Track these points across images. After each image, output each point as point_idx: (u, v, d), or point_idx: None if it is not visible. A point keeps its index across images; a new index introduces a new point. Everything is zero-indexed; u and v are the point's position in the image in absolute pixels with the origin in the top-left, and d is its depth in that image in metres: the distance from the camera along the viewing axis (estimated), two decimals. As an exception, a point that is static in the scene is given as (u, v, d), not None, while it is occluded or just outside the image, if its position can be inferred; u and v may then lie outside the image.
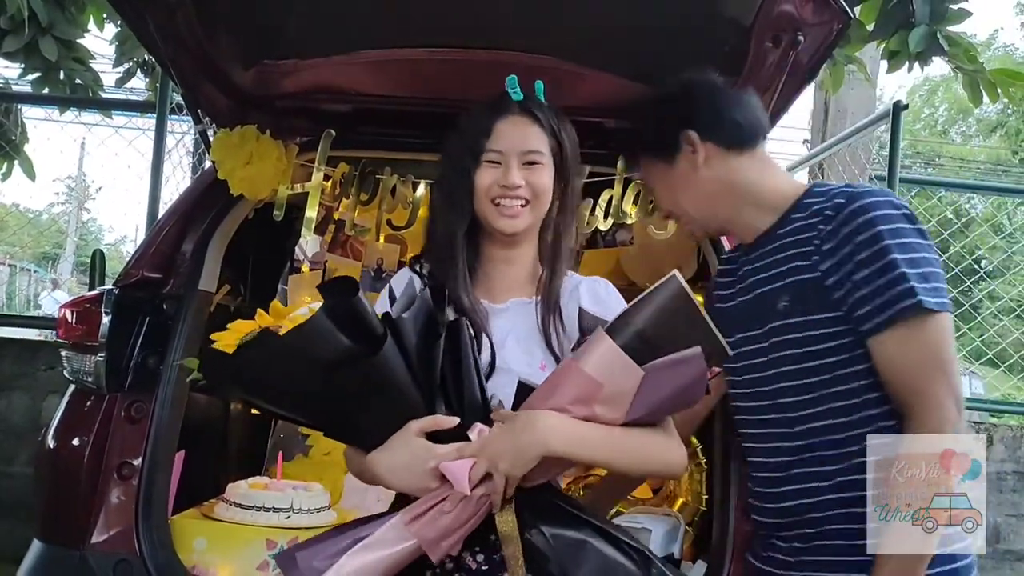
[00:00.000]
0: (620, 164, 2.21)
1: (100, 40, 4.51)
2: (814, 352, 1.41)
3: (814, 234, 1.41)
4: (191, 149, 4.85)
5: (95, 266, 3.71)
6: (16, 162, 4.61)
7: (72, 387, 2.23)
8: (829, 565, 1.43)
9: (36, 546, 2.12)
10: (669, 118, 1.60)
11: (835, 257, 1.37)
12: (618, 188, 2.26)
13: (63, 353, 2.22)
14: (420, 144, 2.33)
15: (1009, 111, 20.99)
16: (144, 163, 4.50)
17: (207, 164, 4.74)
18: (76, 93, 4.29)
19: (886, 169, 3.67)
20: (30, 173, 4.65)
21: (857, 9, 3.25)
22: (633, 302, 1.32)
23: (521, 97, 1.55)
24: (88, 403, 2.15)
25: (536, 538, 1.31)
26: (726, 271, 1.71)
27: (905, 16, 3.19)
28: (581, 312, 1.52)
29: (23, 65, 4.14)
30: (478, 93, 2.24)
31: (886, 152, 3.74)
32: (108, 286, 2.31)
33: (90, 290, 3.50)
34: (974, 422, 5.20)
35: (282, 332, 1.30)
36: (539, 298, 1.53)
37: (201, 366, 1.43)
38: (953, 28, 3.25)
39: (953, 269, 5.04)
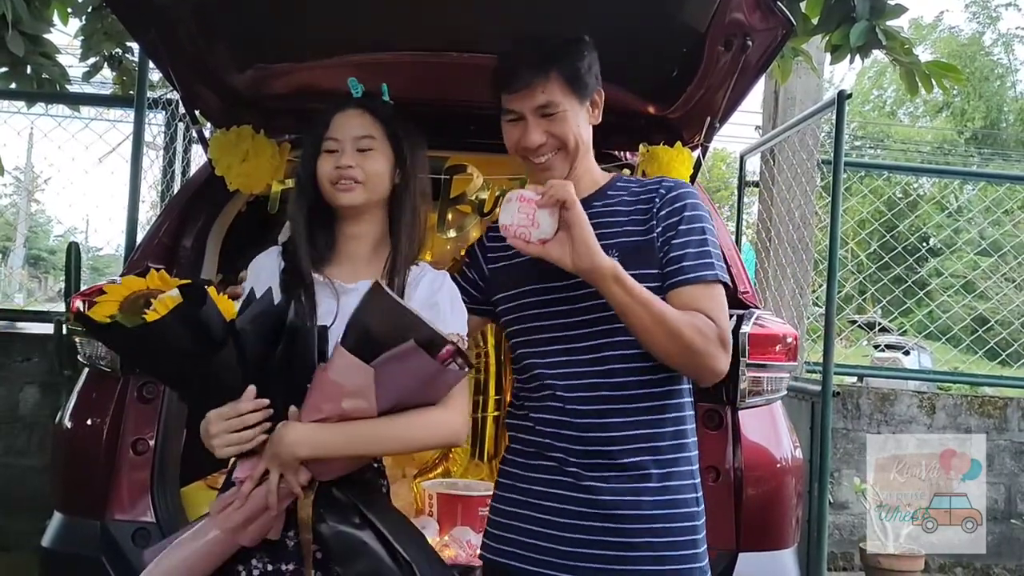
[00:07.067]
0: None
1: (64, 34, 4.51)
2: None
3: (650, 206, 1.67)
4: (160, 142, 4.90)
5: (71, 259, 3.76)
6: (-13, 158, 4.61)
7: (87, 371, 2.37)
8: (630, 503, 1.60)
9: (57, 518, 2.26)
10: (595, 69, 1.73)
11: (666, 223, 1.65)
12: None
13: (77, 340, 2.35)
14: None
15: (955, 92, 21.49)
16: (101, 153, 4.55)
17: (179, 157, 4.86)
18: (43, 87, 4.26)
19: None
20: (-1, 168, 4.65)
21: (803, 4, 3.43)
22: (355, 308, 1.50)
23: (360, 94, 1.74)
24: (103, 385, 2.30)
25: (324, 530, 1.49)
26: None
27: (846, 11, 3.34)
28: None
29: (-11, 61, 4.11)
30: (457, 94, 2.42)
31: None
32: (116, 278, 2.43)
33: (66, 283, 3.62)
34: (920, 392, 5.49)
35: (159, 299, 1.43)
36: (385, 280, 1.65)
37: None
38: (891, 22, 3.44)
39: (896, 248, 5.26)
